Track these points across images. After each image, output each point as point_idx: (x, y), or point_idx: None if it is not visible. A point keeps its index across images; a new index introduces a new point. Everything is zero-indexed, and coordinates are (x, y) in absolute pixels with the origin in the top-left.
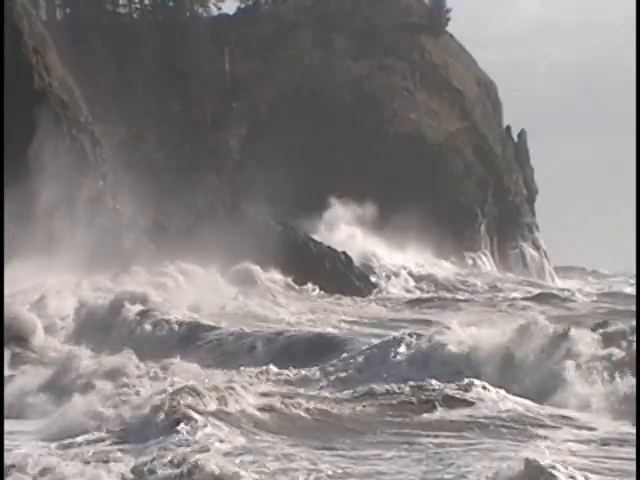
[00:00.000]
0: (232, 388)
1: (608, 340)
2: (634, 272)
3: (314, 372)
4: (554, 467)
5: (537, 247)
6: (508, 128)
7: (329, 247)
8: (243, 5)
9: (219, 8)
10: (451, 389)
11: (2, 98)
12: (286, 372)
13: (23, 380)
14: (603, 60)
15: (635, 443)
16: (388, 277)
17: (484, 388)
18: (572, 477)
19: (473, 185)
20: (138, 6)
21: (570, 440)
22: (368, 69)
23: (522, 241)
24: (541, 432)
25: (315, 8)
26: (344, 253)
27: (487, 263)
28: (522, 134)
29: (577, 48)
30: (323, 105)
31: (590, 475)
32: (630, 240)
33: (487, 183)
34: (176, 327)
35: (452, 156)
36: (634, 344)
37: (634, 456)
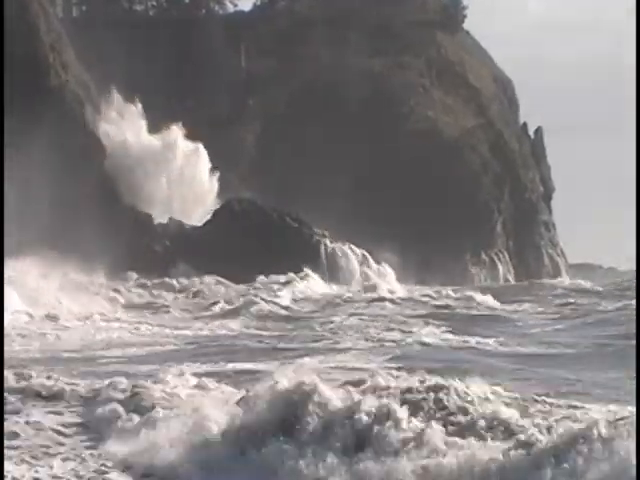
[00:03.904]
0: None
1: None
2: None
3: None
4: None
5: (554, 245)
6: (525, 125)
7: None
8: (259, 2)
9: (235, 5)
10: None
11: (2, 96)
12: None
13: None
14: (612, 59)
15: (635, 441)
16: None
17: None
18: None
19: (489, 182)
20: (154, 3)
21: None
22: (384, 66)
23: (539, 239)
24: None
25: (331, 5)
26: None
27: (503, 261)
28: (539, 131)
29: (590, 46)
30: (339, 102)
31: None
32: None
33: (504, 180)
34: None
35: (468, 153)
36: None
37: None
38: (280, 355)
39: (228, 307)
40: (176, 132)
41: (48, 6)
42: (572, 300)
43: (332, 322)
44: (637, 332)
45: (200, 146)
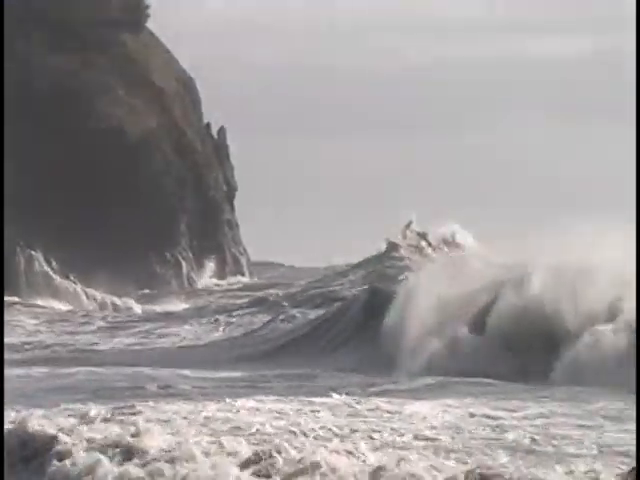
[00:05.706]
0: None
1: None
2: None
3: None
4: None
5: (236, 243)
6: (208, 125)
7: None
8: None
9: None
10: None
11: (2, 97)
12: None
13: None
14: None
15: (635, 441)
16: None
17: None
18: None
19: (173, 182)
20: None
21: None
22: (67, 64)
23: (222, 237)
24: None
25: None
26: None
27: (187, 260)
28: (222, 131)
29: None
30: (21, 100)
31: None
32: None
33: (187, 180)
34: None
35: (152, 153)
36: None
37: None
38: None
39: None
40: None
41: None
42: None
43: None
44: (637, 332)
45: None
